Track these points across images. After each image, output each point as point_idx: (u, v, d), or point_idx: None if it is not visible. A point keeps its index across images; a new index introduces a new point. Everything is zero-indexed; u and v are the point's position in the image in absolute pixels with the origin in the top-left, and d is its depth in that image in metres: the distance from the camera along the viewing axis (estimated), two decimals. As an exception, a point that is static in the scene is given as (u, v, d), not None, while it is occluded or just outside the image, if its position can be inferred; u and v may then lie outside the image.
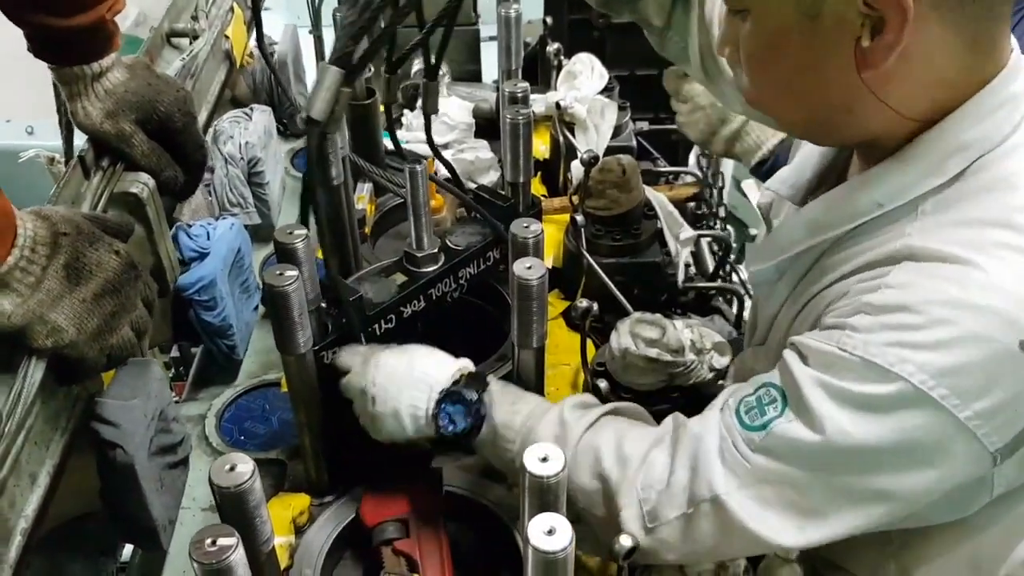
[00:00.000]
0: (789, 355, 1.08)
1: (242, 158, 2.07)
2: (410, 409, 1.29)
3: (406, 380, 1.30)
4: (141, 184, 1.32)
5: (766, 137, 1.80)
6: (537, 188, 2.10)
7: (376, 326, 1.44)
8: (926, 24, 0.99)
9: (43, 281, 1.05)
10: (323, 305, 1.43)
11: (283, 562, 1.33)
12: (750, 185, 4.17)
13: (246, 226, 2.00)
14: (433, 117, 2.21)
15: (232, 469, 1.01)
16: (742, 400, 1.10)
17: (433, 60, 1.40)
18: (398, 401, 1.29)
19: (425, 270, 1.52)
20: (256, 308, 1.92)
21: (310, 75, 2.70)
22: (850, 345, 1.01)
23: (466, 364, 1.35)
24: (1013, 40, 1.08)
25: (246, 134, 2.08)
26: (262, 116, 2.15)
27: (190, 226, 1.70)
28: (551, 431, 1.23)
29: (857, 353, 1.00)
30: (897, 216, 1.08)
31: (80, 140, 1.37)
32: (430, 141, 1.54)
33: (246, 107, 2.23)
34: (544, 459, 0.97)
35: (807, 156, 1.31)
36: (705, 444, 1.11)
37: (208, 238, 1.67)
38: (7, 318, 1.03)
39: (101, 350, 1.12)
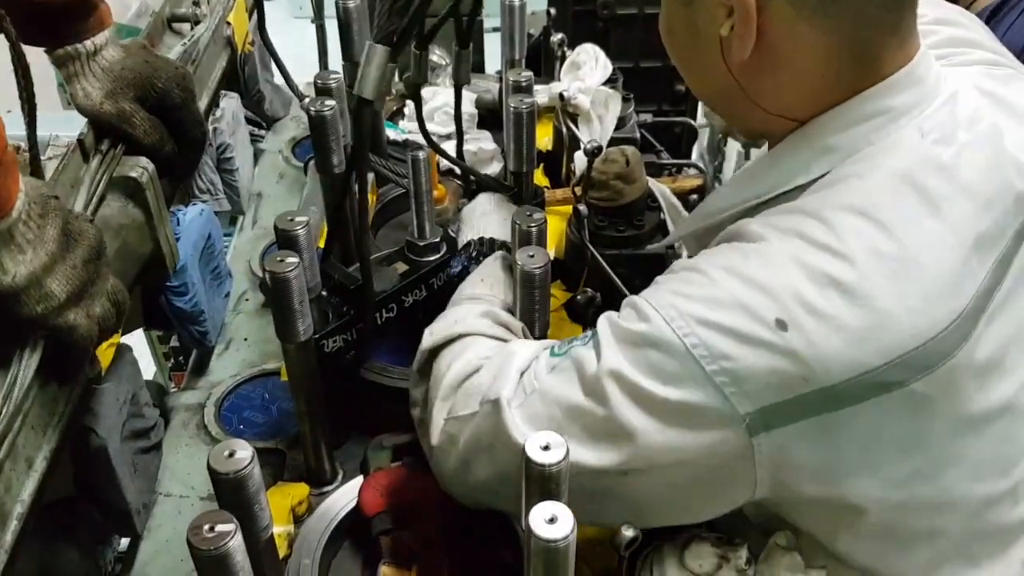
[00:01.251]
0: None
1: (211, 144, 2.05)
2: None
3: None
4: (141, 168, 1.31)
5: None
6: (539, 179, 2.09)
7: (378, 315, 1.44)
8: (789, 23, 1.02)
9: (42, 243, 1.03)
10: (323, 293, 1.43)
11: (282, 551, 1.32)
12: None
13: (216, 213, 1.98)
14: (435, 107, 2.22)
15: (231, 455, 1.00)
16: (565, 340, 1.15)
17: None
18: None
19: (427, 259, 1.52)
20: (227, 295, 1.90)
21: (310, 65, 2.69)
22: (645, 293, 1.07)
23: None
24: (945, 32, 1.11)
25: (214, 120, 2.06)
26: (230, 102, 2.13)
27: (159, 211, 1.69)
28: (456, 314, 1.30)
29: (643, 297, 1.06)
30: (766, 208, 1.12)
31: (45, 128, 1.35)
32: (458, 115, 1.54)
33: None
34: (546, 447, 0.96)
35: None
36: (515, 360, 1.15)
37: (178, 224, 1.65)
38: (11, 278, 1.00)
39: (90, 317, 1.10)
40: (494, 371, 1.16)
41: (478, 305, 1.32)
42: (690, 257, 1.36)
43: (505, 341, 1.26)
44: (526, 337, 1.30)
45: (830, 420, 1.00)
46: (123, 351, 1.28)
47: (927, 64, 1.10)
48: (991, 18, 2.14)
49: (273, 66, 2.30)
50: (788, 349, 0.97)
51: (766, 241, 1.03)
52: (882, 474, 1.06)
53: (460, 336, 1.26)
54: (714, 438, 1.02)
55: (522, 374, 1.13)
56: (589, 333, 1.12)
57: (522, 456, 0.95)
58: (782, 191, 1.11)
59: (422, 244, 1.52)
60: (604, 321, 1.10)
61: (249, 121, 2.35)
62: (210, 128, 2.01)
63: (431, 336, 1.27)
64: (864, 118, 1.06)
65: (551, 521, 0.86)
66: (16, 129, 1.08)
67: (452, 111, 2.16)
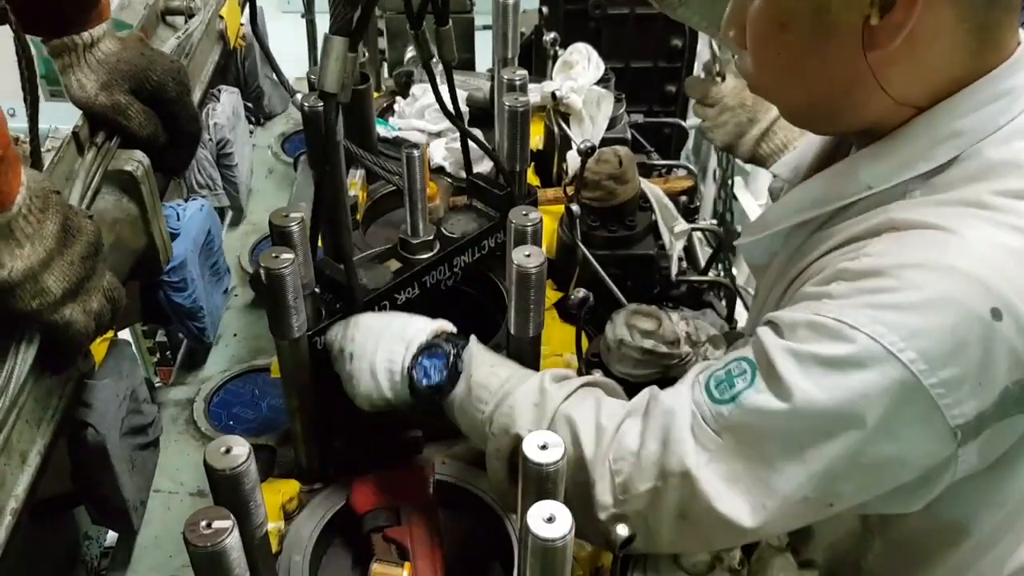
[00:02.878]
0: (762, 330, 1.07)
1: (211, 139, 2.05)
2: (386, 364, 1.27)
3: (383, 335, 1.29)
4: (136, 162, 1.30)
5: (793, 137, 1.76)
6: (531, 178, 2.09)
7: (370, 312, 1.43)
8: (936, 6, 0.99)
9: (41, 238, 1.01)
10: (316, 291, 1.42)
11: (272, 548, 1.31)
12: (739, 185, 4.17)
13: (215, 208, 1.98)
14: (426, 104, 2.21)
15: (228, 451, 0.99)
16: (712, 375, 1.08)
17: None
18: (375, 356, 1.28)
19: (420, 257, 1.51)
20: (226, 291, 1.90)
21: (299, 59, 2.68)
22: (824, 310, 1.00)
23: (446, 324, 1.33)
24: (1023, 32, 1.08)
25: (214, 115, 2.06)
26: (230, 97, 2.13)
27: (159, 207, 1.68)
28: (530, 399, 1.19)
29: (831, 316, 0.99)
30: (885, 198, 1.09)
31: (45, 121, 1.34)
32: (453, 96, 1.48)
33: (213, 88, 2.20)
34: (543, 447, 0.96)
35: (811, 142, 1.32)
36: (677, 418, 1.08)
37: (178, 219, 1.65)
38: (7, 272, 0.98)
39: (86, 313, 1.08)
40: (660, 436, 1.09)
41: (528, 381, 1.22)
42: (747, 254, 1.33)
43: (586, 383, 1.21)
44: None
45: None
46: (122, 347, 1.27)
47: None
48: None
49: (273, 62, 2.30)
50: (1003, 338, 0.95)
51: (947, 229, 0.99)
52: None
53: (555, 414, 1.17)
54: (924, 453, 1.02)
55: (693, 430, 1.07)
56: (745, 366, 1.05)
57: (521, 457, 0.96)
58: (901, 180, 1.07)
59: (415, 242, 1.51)
60: (777, 350, 1.02)
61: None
62: (210, 123, 2.00)
63: (522, 430, 1.16)
64: (993, 98, 1.04)
65: (549, 520, 0.87)
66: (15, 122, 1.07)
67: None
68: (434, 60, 1.51)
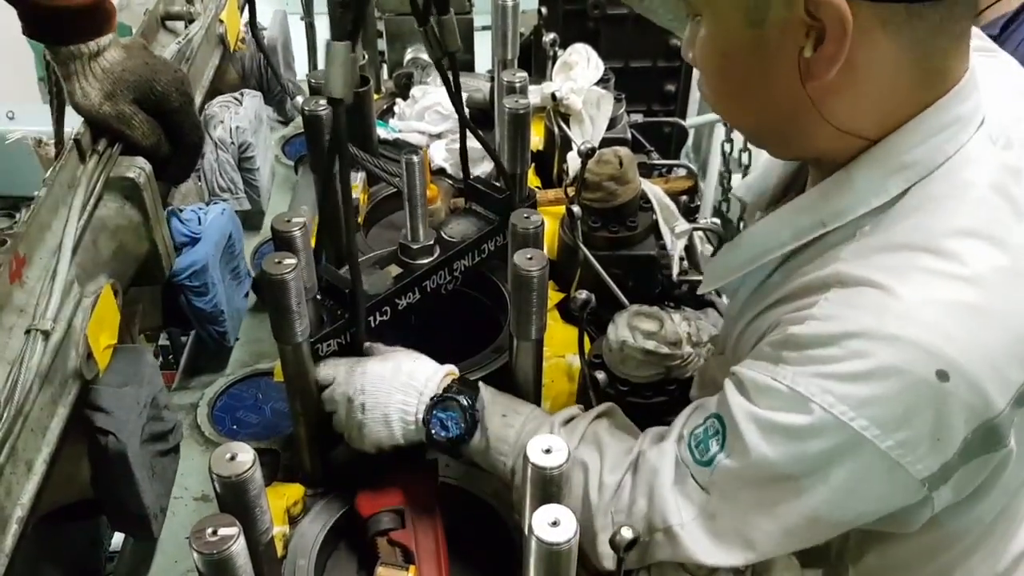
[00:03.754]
0: (728, 385, 1.10)
1: (232, 143, 2.05)
2: (400, 414, 1.31)
3: (395, 385, 1.31)
4: (138, 169, 1.30)
5: None
6: (531, 179, 2.09)
7: (371, 318, 1.43)
8: (872, 38, 0.98)
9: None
10: (317, 296, 1.42)
11: (277, 552, 1.32)
12: (738, 180, 4.17)
13: (236, 212, 1.98)
14: (426, 106, 2.22)
15: (233, 458, 1.00)
16: (693, 432, 1.13)
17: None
18: (387, 407, 1.31)
19: (420, 262, 1.52)
20: (246, 295, 1.90)
21: (300, 62, 2.68)
22: (780, 375, 1.03)
23: (452, 369, 1.36)
24: (977, 58, 1.07)
25: (236, 119, 2.06)
26: (252, 101, 2.13)
27: (181, 211, 1.68)
28: None
29: (786, 383, 1.02)
30: (838, 237, 1.09)
31: (72, 124, 1.35)
32: (456, 81, 1.47)
33: (236, 92, 2.21)
34: (547, 451, 0.97)
35: (773, 163, 1.31)
36: (660, 477, 1.14)
37: (199, 223, 1.65)
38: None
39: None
40: (646, 493, 1.15)
41: (540, 432, 1.25)
42: (721, 291, 1.35)
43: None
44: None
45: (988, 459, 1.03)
46: (143, 354, 1.28)
47: (976, 69, 1.08)
48: (1003, 30, 2.16)
49: (295, 66, 2.30)
50: (953, 397, 0.96)
51: (887, 290, 0.99)
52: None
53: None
54: (896, 501, 1.05)
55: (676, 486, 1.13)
56: (718, 425, 1.09)
57: (525, 461, 0.96)
58: (855, 216, 1.07)
59: (416, 247, 1.51)
60: (741, 414, 1.06)
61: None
62: (232, 127, 2.01)
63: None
64: (940, 128, 1.04)
65: (554, 524, 0.87)
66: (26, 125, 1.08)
67: (443, 111, 2.19)
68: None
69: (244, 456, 1.00)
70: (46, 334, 1.06)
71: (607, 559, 1.17)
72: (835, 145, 1.08)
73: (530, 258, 1.26)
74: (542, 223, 1.35)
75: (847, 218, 1.08)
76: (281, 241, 1.30)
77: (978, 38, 1.20)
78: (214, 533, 0.90)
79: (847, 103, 1.03)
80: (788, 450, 1.03)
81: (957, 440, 0.99)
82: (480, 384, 1.34)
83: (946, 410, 0.97)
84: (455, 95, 1.48)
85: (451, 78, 1.47)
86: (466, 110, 2.13)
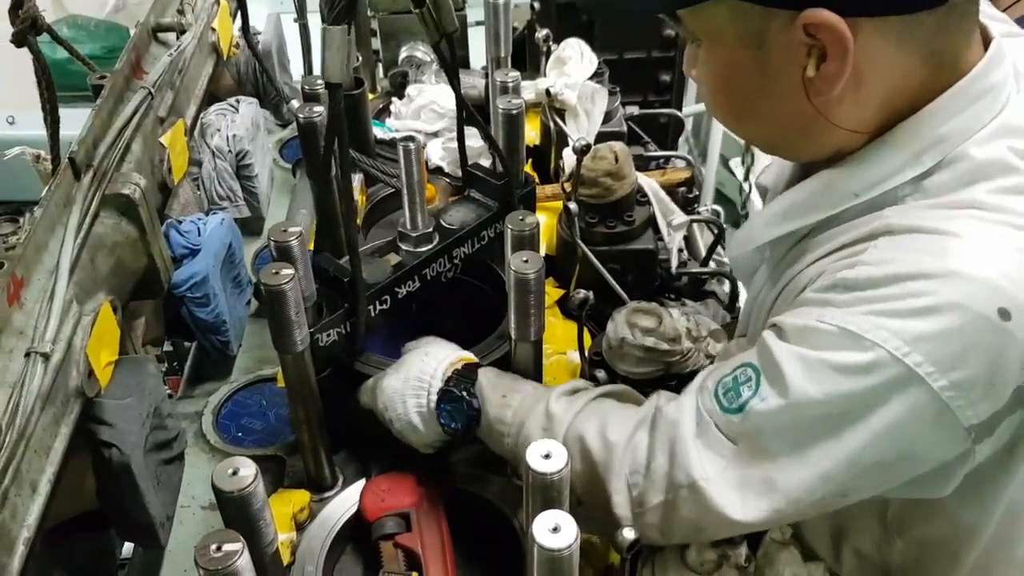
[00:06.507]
0: (767, 334, 1.06)
1: (230, 151, 2.06)
2: (418, 414, 1.36)
3: (405, 391, 1.36)
4: (133, 185, 1.30)
5: None
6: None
7: (371, 307, 1.43)
8: (875, 50, 0.99)
9: None
10: (317, 287, 1.42)
11: (285, 559, 1.32)
12: (737, 163, 4.16)
13: (235, 219, 1.98)
14: (422, 105, 2.21)
15: (235, 473, 1.00)
16: (720, 381, 1.09)
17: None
18: (407, 413, 1.36)
19: (420, 250, 1.51)
20: (248, 303, 1.91)
21: (295, 64, 2.68)
22: (827, 317, 0.99)
23: (456, 357, 1.38)
24: (996, 28, 1.07)
25: (233, 126, 2.06)
26: (249, 108, 2.13)
27: (180, 222, 1.69)
28: (539, 424, 1.24)
29: (834, 323, 0.98)
30: (877, 204, 1.08)
31: (65, 134, 1.33)
32: (454, 65, 1.45)
33: (232, 99, 2.21)
34: (547, 456, 0.97)
35: None
36: (681, 430, 1.10)
37: (199, 234, 1.65)
38: None
39: None
40: (666, 449, 1.11)
41: (536, 407, 1.26)
42: (736, 264, 1.34)
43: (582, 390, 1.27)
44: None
45: None
46: (144, 364, 1.28)
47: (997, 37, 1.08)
48: None
49: (291, 68, 2.30)
50: (1013, 338, 0.93)
51: (944, 232, 0.98)
52: None
53: (565, 435, 1.21)
54: (938, 453, 1.01)
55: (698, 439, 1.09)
56: (751, 373, 1.06)
57: (525, 467, 0.97)
58: (889, 188, 1.06)
59: (414, 235, 1.51)
60: (784, 355, 1.02)
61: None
62: (229, 135, 2.01)
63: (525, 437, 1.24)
64: (971, 100, 1.03)
65: (555, 530, 0.88)
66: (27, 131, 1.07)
67: (439, 109, 2.18)
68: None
69: (246, 471, 1.01)
70: (46, 356, 1.07)
71: (623, 521, 1.14)
72: (849, 142, 1.08)
73: (526, 260, 1.26)
74: (538, 225, 1.35)
75: (882, 189, 1.06)
76: (278, 251, 1.31)
77: (1004, 22, 1.21)
78: (218, 549, 0.91)
79: (857, 108, 1.04)
80: (833, 388, 0.98)
81: (1011, 386, 0.96)
82: (480, 369, 1.35)
83: (1005, 351, 0.94)
84: (453, 75, 1.46)
85: (445, 62, 1.45)
86: (452, 106, 2.15)
